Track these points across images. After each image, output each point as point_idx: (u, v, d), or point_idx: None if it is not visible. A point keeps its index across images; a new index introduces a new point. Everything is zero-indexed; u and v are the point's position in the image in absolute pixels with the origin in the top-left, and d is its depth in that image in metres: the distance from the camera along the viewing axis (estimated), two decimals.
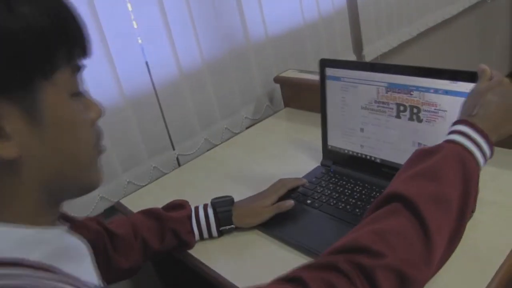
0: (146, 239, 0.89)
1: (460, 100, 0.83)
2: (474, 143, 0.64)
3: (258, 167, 1.23)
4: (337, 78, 1.03)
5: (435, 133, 0.89)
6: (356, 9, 1.84)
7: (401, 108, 0.93)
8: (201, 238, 0.94)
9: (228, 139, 1.46)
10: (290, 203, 0.95)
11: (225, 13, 1.40)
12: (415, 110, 0.91)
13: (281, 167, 1.19)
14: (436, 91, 0.87)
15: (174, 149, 1.37)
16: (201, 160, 1.36)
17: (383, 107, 0.96)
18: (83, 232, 0.78)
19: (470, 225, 0.83)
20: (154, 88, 1.28)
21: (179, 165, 1.39)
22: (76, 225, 0.80)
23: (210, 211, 0.94)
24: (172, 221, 0.90)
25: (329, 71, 1.04)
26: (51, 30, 0.45)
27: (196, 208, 0.94)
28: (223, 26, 1.40)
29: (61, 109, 0.47)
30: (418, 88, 0.89)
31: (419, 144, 0.92)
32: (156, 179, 1.31)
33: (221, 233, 0.95)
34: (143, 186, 1.28)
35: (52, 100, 0.46)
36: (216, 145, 1.44)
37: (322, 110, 1.08)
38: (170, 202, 0.96)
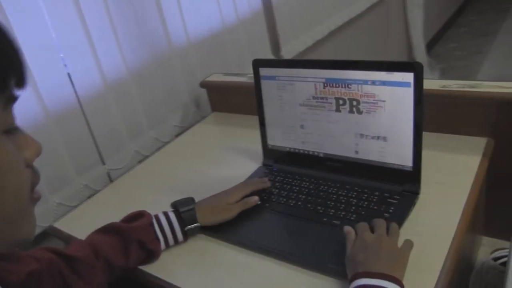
0: (109, 258, 0.82)
1: (396, 89, 0.87)
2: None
3: (197, 174, 1.19)
4: (272, 78, 1.03)
5: (376, 123, 0.92)
6: (272, 10, 1.87)
7: (341, 101, 0.95)
8: (166, 245, 0.90)
9: (159, 149, 1.41)
10: (255, 199, 0.94)
11: (146, 20, 1.36)
12: (354, 103, 0.93)
13: (221, 172, 1.17)
14: (373, 82, 0.90)
15: (104, 164, 1.30)
16: (134, 173, 1.30)
17: (322, 102, 0.98)
18: (31, 265, 0.71)
19: (419, 206, 0.89)
20: (79, 101, 1.20)
21: (110, 180, 1.31)
22: (19, 261, 0.72)
23: (172, 215, 0.90)
24: (135, 231, 0.85)
25: (263, 71, 1.04)
26: None
27: (156, 215, 0.90)
28: (145, 33, 1.35)
29: None
30: (355, 81, 0.92)
31: (361, 135, 0.95)
32: (88, 197, 1.23)
33: (186, 236, 0.91)
34: (75, 206, 1.19)
35: None
36: (147, 156, 1.39)
37: (259, 110, 1.08)
38: (127, 215, 0.90)
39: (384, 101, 0.90)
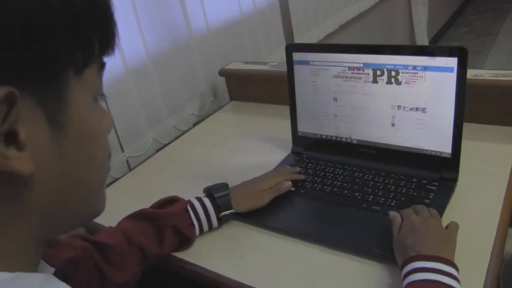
0: (142, 245, 0.79)
1: (439, 74, 0.85)
2: (431, 271, 0.65)
3: (222, 162, 1.17)
4: (305, 62, 1.01)
5: (415, 94, 0.90)
6: (287, 2, 1.86)
7: (378, 72, 0.92)
8: (201, 231, 0.87)
9: (178, 137, 1.39)
10: (288, 184, 0.92)
11: (168, 6, 1.33)
12: (393, 73, 0.91)
13: (248, 159, 1.15)
14: (415, 67, 0.88)
15: (123, 151, 1.28)
16: (154, 160, 1.28)
17: (358, 73, 0.95)
18: (69, 252, 0.69)
19: (457, 193, 0.88)
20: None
21: (129, 168, 1.29)
22: (59, 247, 0.70)
23: (206, 200, 0.87)
24: (169, 217, 0.82)
25: (297, 56, 1.02)
26: (87, 8, 0.35)
27: (189, 201, 0.87)
28: (166, 19, 1.33)
29: (87, 115, 0.38)
30: (395, 66, 0.90)
31: (399, 107, 0.92)
32: (108, 185, 1.20)
33: (220, 222, 0.89)
34: None
35: (79, 103, 0.37)
36: (166, 144, 1.36)
37: (291, 96, 1.06)
38: (158, 200, 0.87)
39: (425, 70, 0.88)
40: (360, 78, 0.95)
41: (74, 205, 0.40)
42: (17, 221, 0.36)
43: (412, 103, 0.91)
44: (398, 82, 0.91)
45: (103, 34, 0.38)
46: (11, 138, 0.32)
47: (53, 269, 0.46)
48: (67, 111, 0.36)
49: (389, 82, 0.92)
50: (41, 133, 0.34)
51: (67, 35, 0.34)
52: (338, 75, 0.97)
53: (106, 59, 0.41)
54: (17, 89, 0.31)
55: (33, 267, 0.40)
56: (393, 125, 0.94)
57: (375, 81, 0.93)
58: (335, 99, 0.99)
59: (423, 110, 0.90)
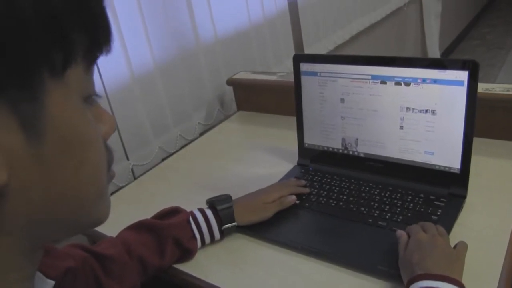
0: (143, 257, 0.78)
1: (448, 88, 0.84)
2: None
3: (227, 172, 1.16)
4: (313, 74, 1.00)
5: (425, 95, 0.87)
6: (297, 12, 1.85)
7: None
8: (202, 243, 0.86)
9: (183, 146, 1.38)
10: (292, 198, 0.90)
11: (175, 14, 1.33)
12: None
13: (253, 170, 1.13)
14: (424, 80, 0.86)
15: (128, 159, 1.27)
16: (159, 169, 1.27)
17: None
18: (68, 262, 0.68)
19: (466, 210, 0.85)
20: (105, 92, 1.17)
21: (134, 177, 1.28)
22: (57, 257, 0.68)
23: (209, 212, 0.86)
24: (171, 228, 0.81)
25: (304, 67, 1.01)
26: (66, 7, 0.32)
27: (191, 212, 0.86)
28: (173, 27, 1.32)
29: (71, 119, 0.35)
30: (404, 79, 0.88)
31: (408, 108, 0.90)
32: (112, 193, 1.19)
33: (222, 235, 0.87)
34: None
35: (60, 106, 0.33)
36: (172, 154, 1.35)
37: (298, 107, 1.05)
38: (160, 211, 0.86)
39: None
40: (368, 78, 0.93)
41: (63, 216, 0.37)
42: None
43: (421, 105, 0.88)
44: (407, 84, 0.89)
45: (90, 32, 0.35)
46: None
47: (52, 283, 0.44)
48: (45, 116, 0.33)
49: (397, 83, 0.89)
50: (16, 140, 0.32)
51: (40, 35, 0.31)
52: (346, 76, 0.96)
53: (106, 57, 0.38)
54: None
55: (27, 281, 0.38)
56: (401, 127, 0.92)
57: (383, 81, 0.91)
58: (342, 101, 0.97)
59: (433, 112, 0.87)
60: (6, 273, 0.35)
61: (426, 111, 0.88)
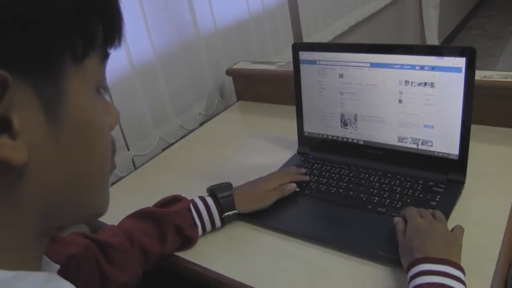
0: (144, 245, 0.79)
1: (446, 75, 0.84)
2: (439, 275, 0.64)
3: (226, 162, 1.17)
4: (312, 62, 1.00)
5: (423, 76, 0.88)
6: (296, 3, 1.85)
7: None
8: (203, 231, 0.87)
9: (183, 136, 1.39)
10: (292, 186, 0.91)
11: (175, 5, 1.33)
12: None
13: (253, 159, 1.14)
14: (422, 67, 0.87)
15: (129, 150, 1.27)
16: (159, 159, 1.27)
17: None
18: (72, 249, 0.69)
19: (464, 196, 0.86)
20: (106, 84, 1.17)
21: (134, 166, 1.29)
22: (62, 243, 0.69)
23: (209, 199, 0.86)
24: (171, 216, 0.82)
25: (303, 55, 1.01)
26: None
27: (192, 200, 0.86)
28: (173, 18, 1.33)
29: (86, 107, 0.36)
30: (403, 66, 0.89)
31: (407, 82, 0.89)
32: (113, 183, 1.20)
33: (223, 222, 0.88)
34: None
35: (78, 93, 0.35)
36: (172, 144, 1.36)
37: (297, 96, 1.05)
38: (161, 199, 0.87)
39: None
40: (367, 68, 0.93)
41: (74, 200, 0.38)
42: (13, 212, 0.35)
43: (420, 78, 0.88)
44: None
45: (107, 24, 0.37)
46: (4, 126, 0.31)
47: (58, 267, 0.45)
48: (64, 101, 0.34)
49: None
50: (37, 122, 0.33)
51: (67, 20, 0.33)
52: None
53: (112, 54, 0.40)
54: (10, 73, 0.30)
55: (36, 262, 0.39)
56: (400, 101, 0.92)
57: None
58: (341, 76, 0.97)
59: (432, 85, 0.87)
60: (20, 251, 0.36)
61: (425, 84, 0.87)
